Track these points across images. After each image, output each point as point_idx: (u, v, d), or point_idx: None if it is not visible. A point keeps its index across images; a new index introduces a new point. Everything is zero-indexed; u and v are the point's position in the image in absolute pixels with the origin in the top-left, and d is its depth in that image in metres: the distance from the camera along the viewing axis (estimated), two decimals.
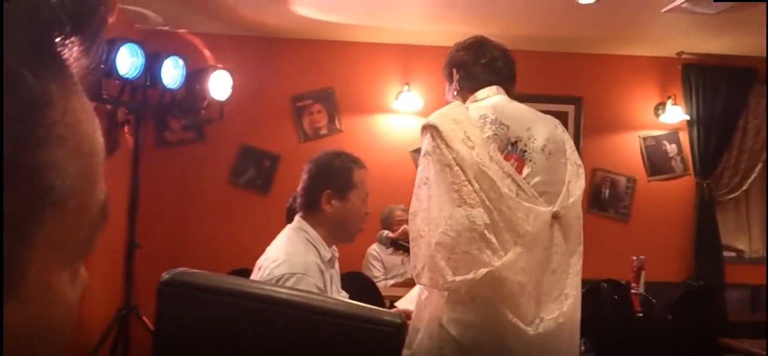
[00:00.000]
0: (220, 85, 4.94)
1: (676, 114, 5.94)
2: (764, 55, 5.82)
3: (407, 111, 5.95)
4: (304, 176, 2.45)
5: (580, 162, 2.16)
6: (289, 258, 2.25)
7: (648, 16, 5.14)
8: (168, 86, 4.62)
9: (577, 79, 6.07)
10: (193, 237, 5.70)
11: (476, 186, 1.94)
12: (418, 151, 6.58)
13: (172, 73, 4.64)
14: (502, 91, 2.19)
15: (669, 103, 5.96)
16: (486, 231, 1.93)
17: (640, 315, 4.71)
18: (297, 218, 2.43)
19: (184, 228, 5.78)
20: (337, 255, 2.48)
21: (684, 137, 6.08)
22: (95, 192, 0.44)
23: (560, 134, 2.15)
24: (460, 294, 1.97)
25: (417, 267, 2.04)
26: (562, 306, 2.00)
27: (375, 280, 4.77)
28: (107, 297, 4.76)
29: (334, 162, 2.45)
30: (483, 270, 1.91)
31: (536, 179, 2.04)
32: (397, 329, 1.67)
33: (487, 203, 1.94)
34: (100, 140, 0.45)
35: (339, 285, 2.54)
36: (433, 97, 5.97)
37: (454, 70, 2.25)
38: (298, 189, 2.47)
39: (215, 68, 4.96)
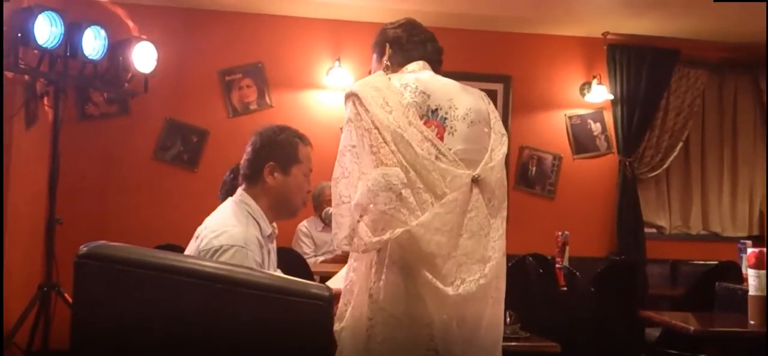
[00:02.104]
0: (144, 57, 4.80)
1: (600, 93, 6.09)
2: (686, 36, 6.03)
3: (338, 87, 5.91)
4: (248, 148, 2.44)
5: (504, 131, 2.19)
6: (229, 230, 2.23)
7: None
8: (89, 57, 4.46)
9: (506, 58, 6.14)
10: (117, 214, 5.54)
11: (393, 147, 1.97)
12: None
13: (94, 43, 4.48)
14: (428, 67, 2.23)
15: (594, 82, 6.09)
16: (403, 191, 1.95)
17: (565, 288, 4.84)
18: (239, 190, 2.42)
19: (107, 204, 5.61)
20: (276, 232, 2.47)
21: (608, 116, 6.24)
22: None
23: (485, 106, 2.18)
24: (383, 260, 1.97)
25: (339, 234, 2.05)
26: (483, 268, 2.02)
27: (305, 256, 4.74)
28: (28, 275, 4.59)
29: (279, 135, 2.44)
30: (399, 230, 1.92)
31: (458, 146, 2.06)
32: (326, 302, 1.66)
33: (404, 163, 1.96)
34: None
35: (275, 262, 2.53)
36: (365, 72, 5.93)
37: (387, 46, 2.28)
38: (242, 161, 2.45)
39: (139, 39, 4.81)
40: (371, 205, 1.95)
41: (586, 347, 4.48)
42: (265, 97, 5.91)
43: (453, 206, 1.99)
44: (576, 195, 6.21)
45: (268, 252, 2.40)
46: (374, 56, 2.35)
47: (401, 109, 2.03)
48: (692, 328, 3.28)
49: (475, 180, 2.04)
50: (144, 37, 4.87)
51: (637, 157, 6.19)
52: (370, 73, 2.34)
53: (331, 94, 5.93)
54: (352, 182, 2.02)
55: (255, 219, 2.34)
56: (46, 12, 4.11)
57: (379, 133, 1.98)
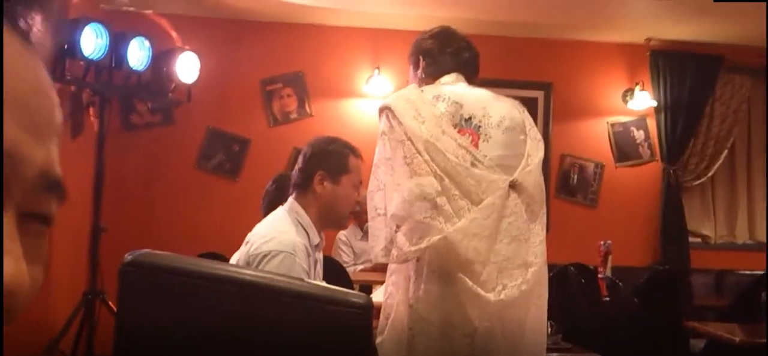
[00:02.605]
0: (187, 68, 4.87)
1: (643, 100, 6.00)
2: (729, 42, 5.91)
3: (378, 95, 5.92)
4: (300, 157, 2.51)
5: (539, 137, 2.19)
6: (278, 236, 2.28)
7: (617, 2, 5.18)
8: (134, 68, 4.54)
9: (547, 65, 6.10)
10: (160, 222, 5.63)
11: (426, 157, 1.99)
12: None
13: (138, 54, 4.56)
14: (462, 78, 2.24)
15: (637, 89, 6.01)
16: (437, 199, 1.96)
17: (607, 299, 4.77)
18: (290, 199, 2.47)
19: (151, 212, 5.71)
20: (323, 243, 2.51)
21: (651, 123, 6.14)
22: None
23: (518, 113, 2.18)
24: (421, 270, 1.97)
25: (375, 247, 2.08)
26: (525, 274, 2.01)
27: (344, 265, 4.75)
28: (73, 282, 4.68)
29: (330, 145, 2.50)
30: (436, 237, 1.93)
31: (494, 153, 2.07)
32: (364, 310, 1.66)
33: (439, 172, 1.98)
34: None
35: (321, 273, 2.56)
36: (404, 81, 5.94)
37: (420, 57, 2.30)
38: (294, 170, 2.52)
39: (182, 50, 4.88)
40: (407, 215, 1.97)
41: None
42: (306, 106, 5.95)
43: (490, 211, 1.99)
44: (619, 203, 6.12)
45: (315, 262, 2.43)
46: (411, 68, 2.37)
47: (434, 119, 2.04)
48: (738, 339, 3.21)
49: (513, 185, 2.03)
50: (187, 47, 4.94)
51: (681, 164, 6.08)
52: (407, 83, 2.36)
53: (371, 103, 5.95)
54: (387, 194, 2.05)
55: (303, 228, 2.38)
56: (92, 24, 4.20)
57: (413, 144, 2.00)
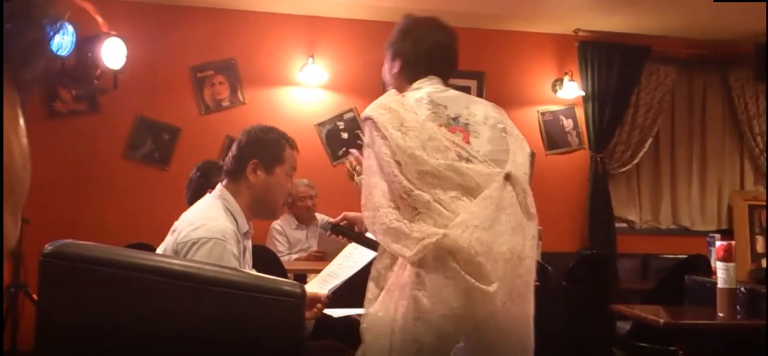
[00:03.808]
0: (113, 54, 4.73)
1: (572, 90, 6.13)
2: (656, 33, 6.10)
3: (312, 84, 5.89)
4: (234, 144, 2.46)
5: (522, 136, 2.24)
6: (208, 223, 2.23)
7: None
8: (57, 53, 4.38)
9: (479, 55, 6.15)
10: (86, 213, 5.46)
11: (412, 168, 2.00)
12: (322, 124, 6.49)
13: (62, 39, 4.40)
14: (436, 80, 2.24)
15: (566, 79, 6.14)
16: (431, 200, 1.97)
17: (537, 283, 4.86)
18: (219, 186, 2.42)
19: (76, 203, 5.53)
20: (252, 231, 2.46)
21: (580, 112, 6.29)
22: None
23: (497, 113, 2.23)
24: (423, 281, 1.98)
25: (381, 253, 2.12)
26: (522, 267, 2.05)
27: (279, 255, 4.72)
28: None
29: (267, 134, 2.46)
30: (435, 236, 1.94)
31: (485, 148, 2.10)
32: (298, 299, 1.64)
33: (428, 182, 1.99)
34: None
35: (250, 261, 2.52)
36: (339, 69, 5.93)
37: (397, 58, 2.29)
38: (227, 157, 2.47)
39: (108, 35, 4.74)
40: (402, 227, 1.98)
41: (557, 341, 4.52)
42: (238, 94, 5.86)
43: (488, 203, 2.01)
44: (548, 190, 6.22)
45: (244, 250, 2.39)
46: (386, 62, 2.35)
47: (418, 126, 2.05)
48: (662, 321, 3.32)
49: (507, 177, 2.06)
50: (113, 32, 4.80)
51: (608, 152, 6.25)
52: (381, 73, 2.40)
53: (305, 91, 5.91)
54: (374, 204, 2.06)
55: (232, 215, 2.34)
56: None
57: (396, 155, 2.01)
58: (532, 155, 6.39)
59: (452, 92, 2.23)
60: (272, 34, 5.91)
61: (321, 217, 2.63)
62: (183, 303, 1.52)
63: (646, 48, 6.19)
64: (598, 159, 6.21)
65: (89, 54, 4.63)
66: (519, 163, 2.13)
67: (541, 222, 5.44)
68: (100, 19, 5.07)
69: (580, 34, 6.16)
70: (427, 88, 2.19)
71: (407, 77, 2.26)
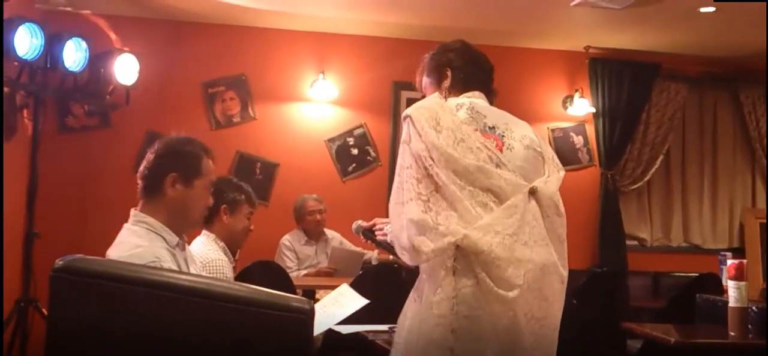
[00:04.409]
0: (126, 69, 4.78)
1: (583, 106, 6.13)
2: (666, 51, 6.09)
3: (322, 99, 5.91)
4: (150, 156, 2.36)
5: (560, 165, 2.27)
6: (136, 252, 2.15)
7: (557, 10, 5.27)
8: (70, 69, 4.43)
9: None
10: (96, 228, 5.46)
11: (443, 164, 2.02)
12: (332, 140, 6.50)
13: (75, 55, 4.45)
14: (484, 97, 2.31)
15: (576, 95, 6.13)
16: (460, 198, 1.99)
17: None
18: (133, 212, 2.33)
19: (87, 217, 5.55)
20: (184, 239, 2.40)
21: (590, 129, 6.28)
22: None
23: (536, 138, 2.26)
24: (450, 271, 1.99)
25: (403, 252, 2.09)
26: (552, 279, 2.09)
27: (288, 270, 4.72)
28: (5, 289, 4.52)
29: (185, 146, 2.38)
30: (460, 232, 1.96)
31: (516, 163, 2.12)
32: (306, 315, 1.64)
33: (459, 181, 2.01)
34: None
35: (197, 267, 2.49)
36: (349, 85, 5.95)
37: (448, 70, 2.33)
38: (141, 168, 2.37)
39: (121, 51, 4.78)
40: (428, 222, 1.99)
41: None
42: (249, 110, 5.89)
43: (513, 211, 2.03)
44: None
45: (185, 260, 2.34)
46: (428, 78, 2.38)
47: (453, 126, 2.09)
48: (673, 340, 3.29)
49: (532, 192, 2.09)
50: (126, 49, 4.84)
51: (619, 169, 6.23)
52: (419, 90, 2.43)
53: (315, 107, 5.93)
54: (402, 199, 2.07)
55: (157, 233, 2.26)
56: (26, 23, 4.08)
57: (430, 153, 2.03)
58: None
59: (495, 109, 2.28)
60: (283, 50, 5.94)
61: (356, 222, 2.57)
62: (192, 319, 1.52)
63: (656, 65, 6.18)
64: (609, 176, 6.19)
65: (102, 70, 4.67)
66: (550, 184, 2.16)
67: None
68: (113, 36, 5.13)
69: (590, 50, 6.16)
70: (472, 100, 2.25)
71: (456, 89, 2.31)
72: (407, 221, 2.03)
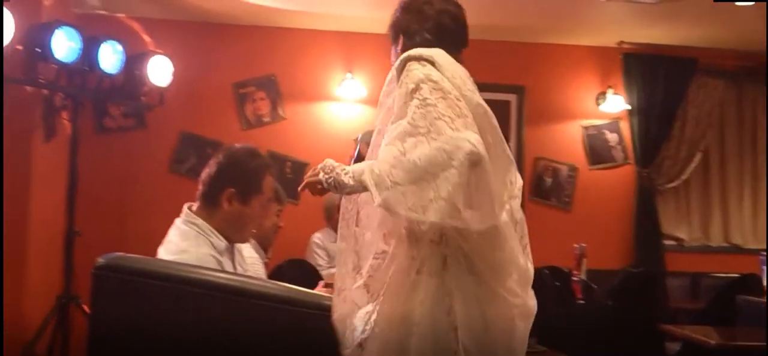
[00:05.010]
0: (160, 71, 4.84)
1: (617, 103, 6.05)
2: (703, 45, 5.98)
3: (350, 99, 5.92)
4: (213, 164, 2.32)
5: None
6: (181, 257, 2.12)
7: (589, 5, 5.21)
8: (106, 71, 4.49)
9: (520, 68, 6.12)
10: (134, 225, 5.55)
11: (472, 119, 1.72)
12: (355, 139, 6.40)
13: (111, 57, 4.51)
14: (447, 56, 1.91)
15: (610, 92, 6.06)
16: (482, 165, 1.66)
17: (582, 301, 4.79)
18: (186, 211, 2.31)
19: (125, 215, 5.63)
20: (232, 244, 2.35)
21: (625, 126, 6.19)
22: None
23: None
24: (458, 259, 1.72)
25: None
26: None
27: (319, 268, 4.73)
28: (46, 287, 4.61)
29: (250, 161, 2.33)
30: (491, 221, 1.70)
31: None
32: None
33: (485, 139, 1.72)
34: None
35: (248, 268, 2.46)
36: (378, 84, 5.91)
37: (401, 35, 2.04)
38: (203, 174, 2.33)
39: (155, 53, 4.84)
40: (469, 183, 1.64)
41: None
42: (278, 110, 5.92)
43: (518, 209, 1.86)
44: (593, 206, 6.16)
45: (232, 263, 2.30)
46: (393, 46, 2.10)
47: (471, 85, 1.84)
48: (713, 342, 3.24)
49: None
50: (160, 51, 4.90)
51: (655, 167, 6.13)
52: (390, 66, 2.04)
53: (344, 106, 5.94)
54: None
55: (205, 237, 2.23)
56: (64, 27, 4.14)
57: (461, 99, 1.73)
58: (575, 170, 6.37)
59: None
60: (311, 50, 5.96)
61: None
62: (228, 316, 1.54)
63: (692, 60, 6.07)
64: (645, 174, 6.10)
65: (137, 72, 4.74)
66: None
67: (585, 239, 5.44)
68: (147, 38, 5.19)
69: (623, 46, 6.08)
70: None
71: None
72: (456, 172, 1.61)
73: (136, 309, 1.52)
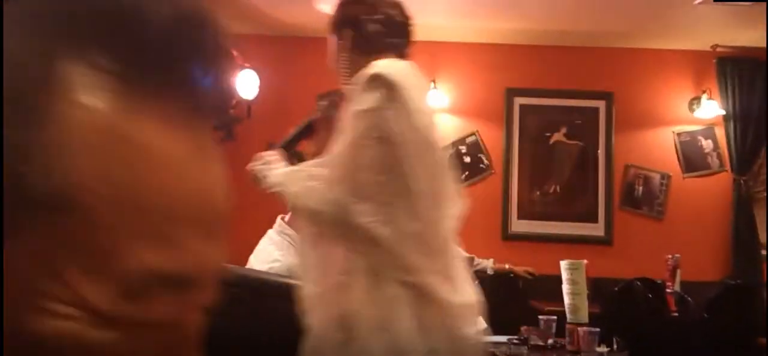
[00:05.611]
0: (247, 85, 4.96)
1: (711, 109, 5.82)
2: None
3: (435, 108, 5.90)
4: None
5: None
6: (272, 266, 2.21)
7: (680, 8, 5.05)
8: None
9: (608, 74, 5.97)
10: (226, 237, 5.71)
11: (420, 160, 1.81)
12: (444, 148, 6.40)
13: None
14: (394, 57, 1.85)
15: (704, 97, 5.83)
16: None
17: (676, 314, 4.62)
18: (279, 222, 2.36)
19: None
20: None
21: (720, 132, 5.95)
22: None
23: None
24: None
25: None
26: None
27: None
28: None
29: None
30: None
31: None
32: None
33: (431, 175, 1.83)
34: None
35: None
36: (461, 94, 5.92)
37: (348, 29, 1.94)
38: None
39: (242, 67, 4.97)
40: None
41: None
42: None
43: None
44: (687, 215, 5.93)
45: None
46: (336, 40, 1.98)
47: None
48: None
49: None
50: (247, 64, 5.03)
51: (753, 175, 5.87)
52: (338, 60, 2.01)
53: None
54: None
55: (296, 248, 2.26)
56: None
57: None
58: (668, 178, 6.14)
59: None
60: None
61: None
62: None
63: None
64: (742, 181, 5.84)
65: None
66: None
67: (679, 249, 5.24)
68: (235, 53, 5.34)
69: (718, 49, 5.84)
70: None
71: (363, 49, 1.88)
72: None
73: (229, 317, 1.55)
